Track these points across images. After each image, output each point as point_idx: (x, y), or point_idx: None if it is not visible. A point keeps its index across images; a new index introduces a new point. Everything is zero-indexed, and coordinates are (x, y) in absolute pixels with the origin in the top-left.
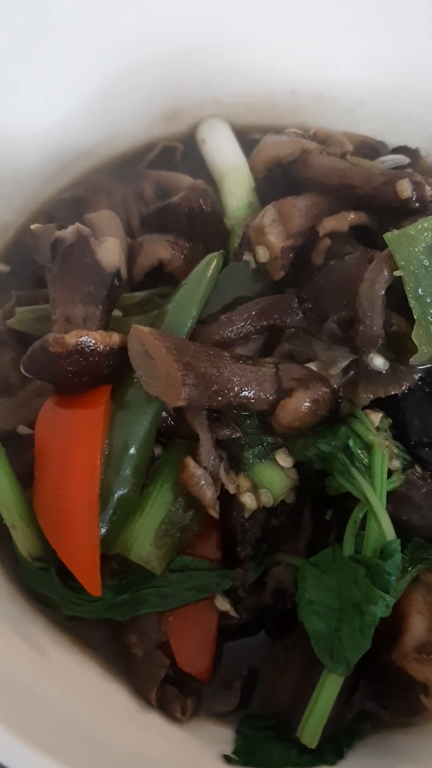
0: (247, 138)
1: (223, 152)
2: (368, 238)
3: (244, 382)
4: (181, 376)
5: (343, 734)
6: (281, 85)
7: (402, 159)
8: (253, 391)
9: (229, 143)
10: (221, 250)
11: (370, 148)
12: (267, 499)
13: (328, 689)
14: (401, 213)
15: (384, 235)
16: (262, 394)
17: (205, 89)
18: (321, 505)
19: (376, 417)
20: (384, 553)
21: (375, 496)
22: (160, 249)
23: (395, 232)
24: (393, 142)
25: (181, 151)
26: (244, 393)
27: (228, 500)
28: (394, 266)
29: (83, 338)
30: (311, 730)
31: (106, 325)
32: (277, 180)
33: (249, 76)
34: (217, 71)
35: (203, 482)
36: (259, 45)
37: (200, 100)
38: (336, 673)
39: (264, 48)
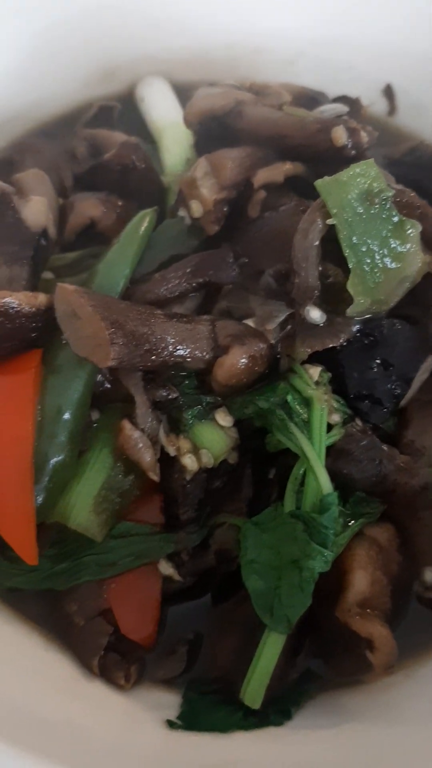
0: (188, 95)
1: (161, 109)
2: (307, 190)
3: (179, 340)
4: (108, 335)
5: (289, 695)
6: (217, 39)
7: (341, 108)
8: (188, 350)
9: (166, 100)
10: (155, 207)
11: (310, 99)
12: (208, 460)
13: (270, 648)
14: (338, 162)
15: (315, 183)
16: (197, 352)
17: (141, 46)
18: (264, 464)
19: (315, 371)
20: (321, 507)
21: (312, 450)
22: (90, 207)
23: (327, 179)
24: (335, 92)
25: (119, 111)
26: (179, 352)
27: (169, 463)
28: (328, 215)
29: (6, 299)
30: (254, 690)
31: (34, 286)
32: (215, 135)
33: (184, 31)
34: (152, 27)
35: (141, 445)
36: None
37: (136, 57)
38: (277, 631)
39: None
